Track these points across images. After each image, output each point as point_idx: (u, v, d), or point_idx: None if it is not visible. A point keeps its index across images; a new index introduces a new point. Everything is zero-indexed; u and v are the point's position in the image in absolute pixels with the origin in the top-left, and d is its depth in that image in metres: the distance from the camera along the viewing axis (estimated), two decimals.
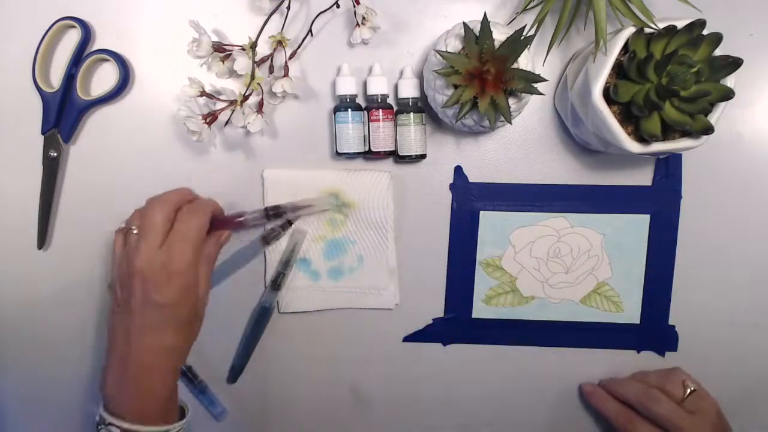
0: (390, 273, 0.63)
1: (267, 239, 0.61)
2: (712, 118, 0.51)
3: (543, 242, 0.63)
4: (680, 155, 0.62)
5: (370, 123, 0.59)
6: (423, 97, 0.59)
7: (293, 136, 0.62)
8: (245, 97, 0.56)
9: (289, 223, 0.61)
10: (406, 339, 0.65)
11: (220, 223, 0.57)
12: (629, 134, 0.51)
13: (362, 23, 0.57)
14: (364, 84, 0.60)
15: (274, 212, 0.61)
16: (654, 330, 0.64)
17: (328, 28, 0.61)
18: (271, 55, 0.58)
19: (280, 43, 0.58)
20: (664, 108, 0.50)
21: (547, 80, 0.52)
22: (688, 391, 0.60)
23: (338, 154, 0.59)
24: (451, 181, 0.63)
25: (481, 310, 0.64)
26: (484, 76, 0.50)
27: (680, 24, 0.50)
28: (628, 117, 0.52)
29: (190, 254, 0.52)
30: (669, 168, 0.62)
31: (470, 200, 0.63)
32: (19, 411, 0.66)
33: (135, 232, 0.53)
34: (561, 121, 0.62)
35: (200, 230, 0.53)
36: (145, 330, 0.52)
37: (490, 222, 0.63)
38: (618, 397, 0.62)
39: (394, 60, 0.61)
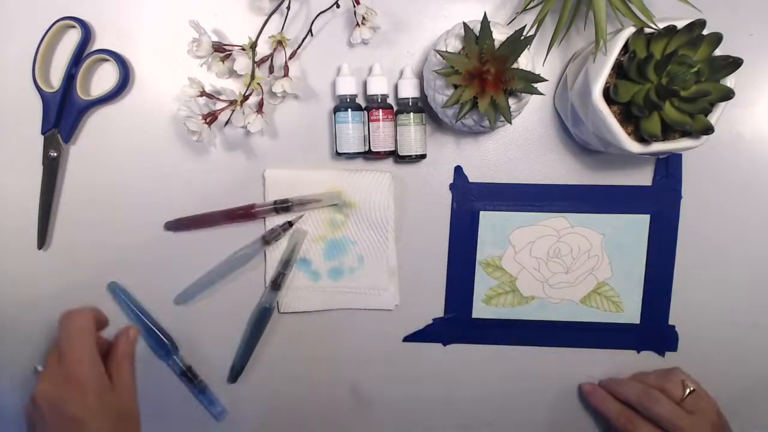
0: (390, 273, 0.63)
1: (267, 239, 0.61)
2: (712, 118, 0.51)
3: (543, 242, 0.63)
4: (680, 155, 0.62)
5: (370, 123, 0.59)
6: (423, 97, 0.59)
7: (293, 136, 0.62)
8: (245, 97, 0.56)
9: (290, 224, 0.61)
10: (406, 339, 0.65)
11: (229, 213, 0.60)
12: (629, 134, 0.51)
13: (362, 23, 0.57)
14: (364, 84, 0.60)
15: (282, 205, 0.61)
16: (654, 330, 0.64)
17: (328, 28, 0.61)
18: (271, 55, 0.58)
19: (280, 43, 0.58)
20: (664, 108, 0.50)
21: (547, 80, 0.52)
22: (688, 391, 0.60)
23: (338, 154, 0.59)
24: (451, 181, 0.63)
25: (481, 310, 0.64)
26: (484, 76, 0.50)
27: (680, 24, 0.50)
28: (628, 117, 0.52)
29: (88, 356, 0.48)
30: (669, 168, 0.62)
31: (470, 200, 0.63)
32: (19, 411, 0.66)
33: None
34: (561, 121, 0.62)
35: (87, 330, 0.50)
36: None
37: (490, 222, 0.63)
38: (618, 397, 0.62)
39: (394, 60, 0.61)
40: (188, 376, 0.63)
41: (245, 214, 0.61)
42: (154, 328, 0.63)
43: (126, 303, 0.62)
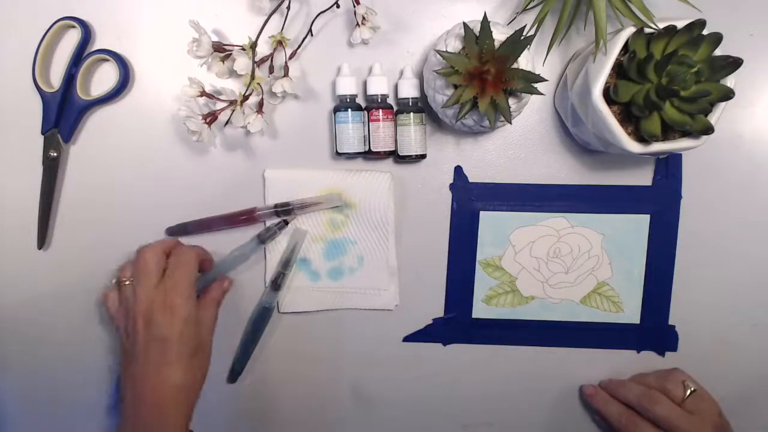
0: (390, 274, 0.63)
1: (262, 238, 0.61)
2: (712, 118, 0.51)
3: (543, 242, 0.63)
4: (680, 155, 0.62)
5: (370, 123, 0.59)
6: (423, 97, 0.59)
7: (293, 136, 0.62)
8: (245, 97, 0.56)
9: (285, 222, 0.61)
10: (406, 339, 0.65)
11: (230, 217, 0.61)
12: (629, 134, 0.51)
13: (362, 23, 0.57)
14: (364, 84, 0.60)
15: (282, 208, 0.61)
16: (654, 330, 0.64)
17: (328, 28, 0.61)
18: (271, 55, 0.58)
19: (280, 43, 0.57)
20: (664, 108, 0.50)
21: (547, 80, 0.52)
22: (689, 391, 0.60)
23: (338, 154, 0.59)
24: (451, 181, 0.63)
25: (481, 310, 0.64)
26: (484, 76, 0.50)
27: (680, 24, 0.50)
28: (628, 117, 0.52)
29: (186, 287, 0.54)
30: (669, 168, 0.62)
31: (470, 200, 0.63)
32: (19, 411, 0.66)
33: (128, 282, 0.56)
34: (561, 121, 0.62)
35: (191, 265, 0.56)
36: (150, 369, 0.53)
37: (490, 222, 0.63)
38: (619, 398, 0.62)
39: (394, 60, 0.61)
40: None
41: (247, 218, 0.61)
42: None
43: None
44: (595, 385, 0.65)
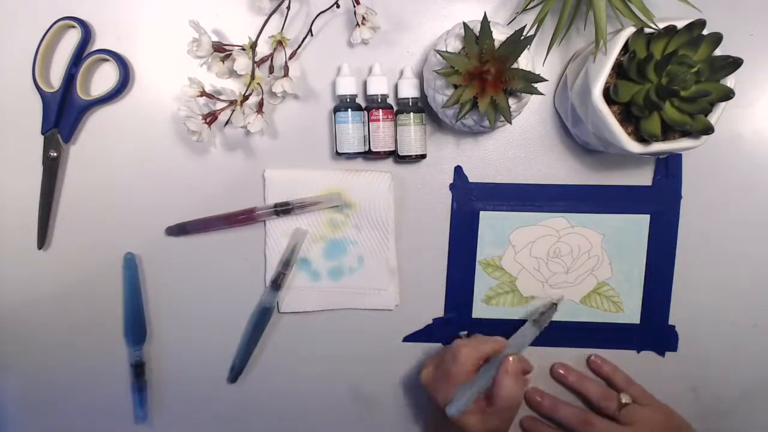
0: (390, 274, 0.63)
1: (539, 322, 0.60)
2: (712, 118, 0.51)
3: (543, 242, 0.63)
4: (680, 155, 0.62)
5: (370, 123, 0.59)
6: (423, 97, 0.59)
7: (293, 136, 0.62)
8: (245, 97, 0.56)
9: (555, 305, 0.62)
10: (406, 339, 0.65)
11: (230, 217, 0.61)
12: (629, 134, 0.51)
13: (362, 23, 0.57)
14: (364, 84, 0.60)
15: (282, 208, 0.61)
16: (654, 330, 0.64)
17: (328, 28, 0.61)
18: (271, 55, 0.58)
19: (280, 43, 0.57)
20: (664, 108, 0.50)
21: (547, 80, 0.52)
22: (621, 403, 0.61)
23: (338, 154, 0.59)
24: (451, 181, 0.63)
25: (481, 310, 0.64)
26: (484, 76, 0.50)
27: (680, 24, 0.50)
28: (628, 117, 0.52)
29: (498, 426, 0.56)
30: (669, 168, 0.62)
31: (470, 200, 0.63)
32: (19, 411, 0.66)
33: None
34: (561, 121, 0.62)
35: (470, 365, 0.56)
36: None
37: (490, 222, 0.63)
38: (555, 420, 0.64)
39: (394, 60, 0.61)
40: (137, 370, 0.63)
41: (247, 218, 0.61)
42: (139, 314, 0.63)
43: (130, 278, 0.62)
44: (533, 418, 0.65)
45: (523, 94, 0.53)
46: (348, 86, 0.59)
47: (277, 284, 0.62)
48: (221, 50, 0.57)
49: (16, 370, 0.65)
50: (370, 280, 0.63)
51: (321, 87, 0.61)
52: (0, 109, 0.62)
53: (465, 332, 0.64)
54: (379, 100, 0.59)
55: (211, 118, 0.56)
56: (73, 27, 0.60)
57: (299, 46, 0.59)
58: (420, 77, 0.60)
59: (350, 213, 0.62)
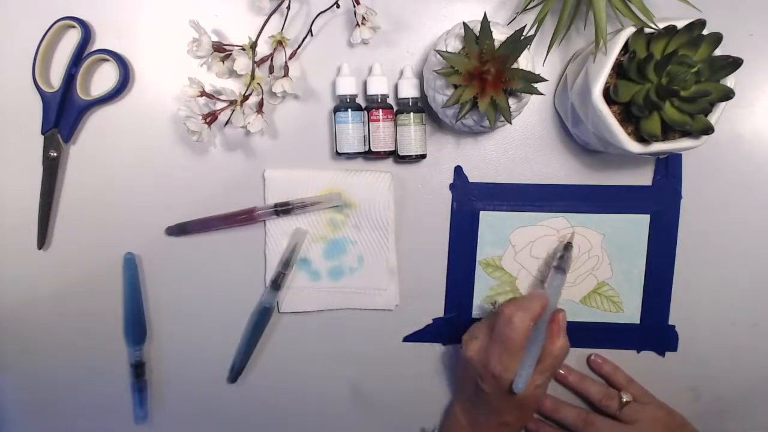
0: (390, 274, 0.63)
1: (561, 268, 0.60)
2: (712, 118, 0.51)
3: (543, 242, 0.63)
4: (680, 155, 0.62)
5: (370, 123, 0.59)
6: (423, 97, 0.59)
7: (293, 136, 0.62)
8: (245, 97, 0.56)
9: (569, 244, 0.61)
10: (406, 339, 0.65)
11: (230, 217, 0.61)
12: (629, 134, 0.51)
13: (362, 23, 0.57)
14: (364, 84, 0.60)
15: (282, 208, 0.61)
16: (654, 330, 0.64)
17: (328, 28, 0.61)
18: (271, 55, 0.58)
19: (280, 43, 0.57)
20: (664, 108, 0.50)
21: (547, 80, 0.52)
22: (623, 402, 0.61)
23: (338, 154, 0.59)
24: (451, 181, 0.63)
25: (481, 310, 0.64)
26: (484, 76, 0.50)
27: (680, 24, 0.50)
28: (628, 117, 0.52)
29: (546, 380, 0.57)
30: (669, 168, 0.62)
31: (470, 200, 0.63)
32: (19, 411, 0.66)
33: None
34: (561, 121, 0.62)
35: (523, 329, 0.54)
36: (496, 410, 0.57)
37: (490, 222, 0.63)
38: (556, 421, 0.64)
39: (394, 60, 0.61)
40: (138, 370, 0.63)
41: (247, 218, 0.61)
42: (139, 314, 0.63)
43: (130, 278, 0.62)
44: (538, 422, 0.65)
45: (523, 94, 0.53)
46: (348, 86, 0.59)
47: (277, 284, 0.62)
48: (221, 50, 0.57)
49: (16, 370, 0.65)
50: (370, 280, 0.63)
51: (321, 87, 0.61)
52: (0, 109, 0.62)
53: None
54: (379, 100, 0.59)
55: (211, 118, 0.56)
56: (73, 27, 0.60)
57: (299, 46, 0.59)
58: (420, 77, 0.60)
59: (350, 213, 0.62)
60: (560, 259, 0.60)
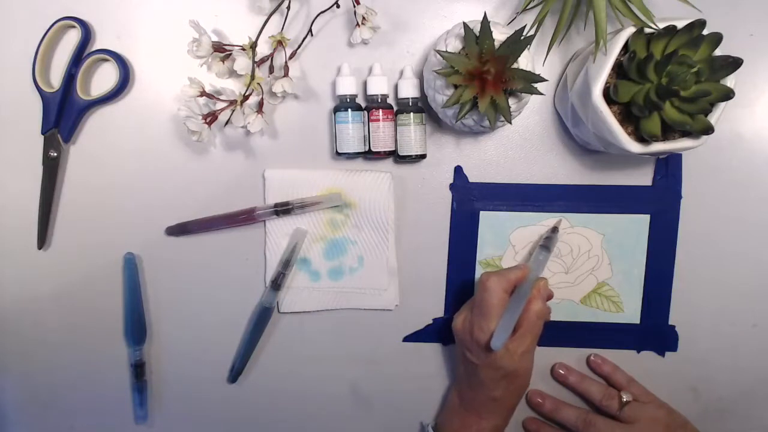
0: (390, 274, 0.63)
1: (547, 246, 0.60)
2: (712, 118, 0.51)
3: None
4: (680, 155, 0.62)
5: (370, 123, 0.59)
6: (423, 97, 0.59)
7: (293, 136, 0.62)
8: (245, 97, 0.56)
9: (555, 228, 0.62)
10: (406, 339, 0.65)
11: (230, 217, 0.61)
12: (629, 134, 0.51)
13: (362, 23, 0.57)
14: (364, 84, 0.60)
15: (282, 208, 0.61)
16: (654, 330, 0.64)
17: (328, 28, 0.61)
18: (271, 55, 0.58)
19: (280, 43, 0.58)
20: (664, 108, 0.50)
21: (547, 80, 0.52)
22: (623, 402, 0.61)
23: (338, 154, 0.59)
24: (451, 181, 0.63)
25: None
26: (484, 76, 0.50)
27: (680, 24, 0.50)
28: (628, 117, 0.52)
29: (528, 346, 0.56)
30: (669, 168, 0.62)
31: (470, 200, 0.63)
32: (19, 411, 0.66)
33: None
34: (561, 121, 0.62)
35: (500, 301, 0.55)
36: (485, 384, 0.57)
37: (490, 222, 0.63)
38: (557, 421, 0.64)
39: (394, 60, 0.61)
40: (138, 370, 0.63)
41: (247, 218, 0.61)
42: (139, 314, 0.63)
43: (130, 278, 0.62)
44: (538, 420, 0.66)
45: (523, 94, 0.53)
46: (348, 86, 0.59)
47: (277, 284, 0.62)
48: (221, 50, 0.57)
49: (16, 370, 0.65)
50: (370, 280, 0.63)
51: (321, 87, 0.61)
52: (0, 109, 0.62)
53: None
54: (379, 100, 0.59)
55: (211, 118, 0.56)
56: (73, 27, 0.60)
57: (299, 46, 0.59)
58: (420, 77, 0.60)
59: (350, 213, 0.62)
60: (546, 239, 0.61)
